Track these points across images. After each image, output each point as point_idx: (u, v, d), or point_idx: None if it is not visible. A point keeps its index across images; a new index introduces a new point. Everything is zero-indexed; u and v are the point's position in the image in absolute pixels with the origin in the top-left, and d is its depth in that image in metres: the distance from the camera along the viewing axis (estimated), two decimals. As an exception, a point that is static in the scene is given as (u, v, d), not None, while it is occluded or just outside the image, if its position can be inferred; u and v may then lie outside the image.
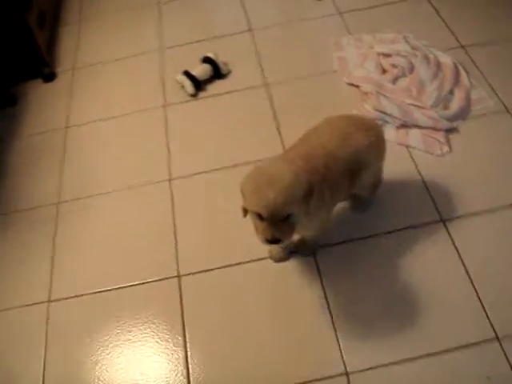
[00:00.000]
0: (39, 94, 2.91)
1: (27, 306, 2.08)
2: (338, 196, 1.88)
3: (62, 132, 2.68)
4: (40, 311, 2.06)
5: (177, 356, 1.88)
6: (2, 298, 2.12)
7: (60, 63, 3.07)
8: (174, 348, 1.90)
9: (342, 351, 1.81)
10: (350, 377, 1.75)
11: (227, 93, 2.70)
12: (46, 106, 2.83)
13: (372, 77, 2.50)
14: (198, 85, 2.70)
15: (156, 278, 2.07)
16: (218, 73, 2.74)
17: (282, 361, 1.82)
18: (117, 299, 2.05)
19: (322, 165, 1.72)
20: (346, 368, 1.77)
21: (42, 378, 1.89)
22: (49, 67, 2.96)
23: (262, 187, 1.52)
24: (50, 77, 2.96)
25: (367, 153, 1.83)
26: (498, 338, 1.77)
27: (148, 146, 2.53)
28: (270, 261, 2.05)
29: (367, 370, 1.76)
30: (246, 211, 1.64)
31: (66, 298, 2.08)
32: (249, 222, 1.62)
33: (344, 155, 1.77)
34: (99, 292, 2.08)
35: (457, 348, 1.76)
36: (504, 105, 2.40)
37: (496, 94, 2.44)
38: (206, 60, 2.73)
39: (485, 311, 1.83)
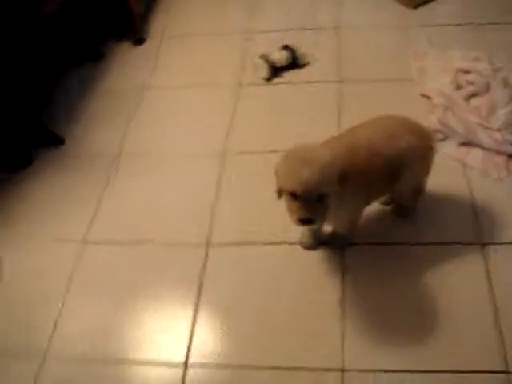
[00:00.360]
0: (125, 55, 3.07)
1: (62, 240, 2.21)
2: (374, 193, 1.86)
3: (138, 92, 2.82)
4: (72, 249, 2.18)
5: (185, 321, 1.93)
6: (40, 229, 2.27)
7: (151, 30, 3.23)
8: (183, 313, 1.95)
9: (345, 347, 1.78)
10: (345, 374, 1.73)
11: (300, 82, 2.73)
12: (129, 66, 2.99)
13: (445, 91, 2.44)
14: (274, 70, 2.75)
15: (186, 242, 2.14)
16: (295, 62, 2.78)
17: (282, 343, 1.82)
18: (144, 253, 2.14)
19: (361, 158, 1.71)
20: (343, 364, 1.75)
21: (57, 317, 1.99)
22: (139, 32, 3.11)
23: (297, 166, 1.54)
24: (138, 41, 3.11)
25: (412, 156, 1.79)
26: (508, 372, 1.68)
27: (212, 120, 2.61)
28: (299, 247, 2.06)
29: (364, 371, 1.73)
30: (280, 193, 1.66)
31: (100, 243, 2.19)
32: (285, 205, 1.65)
33: (387, 153, 1.74)
34: (132, 243, 2.17)
35: (461, 372, 1.69)
36: None
37: None
38: (286, 48, 2.78)
39: (503, 344, 1.74)
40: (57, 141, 2.58)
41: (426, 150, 1.84)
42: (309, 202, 1.54)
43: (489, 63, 2.55)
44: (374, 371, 1.73)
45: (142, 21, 3.23)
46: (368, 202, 1.90)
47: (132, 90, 2.82)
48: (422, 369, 1.71)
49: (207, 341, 1.87)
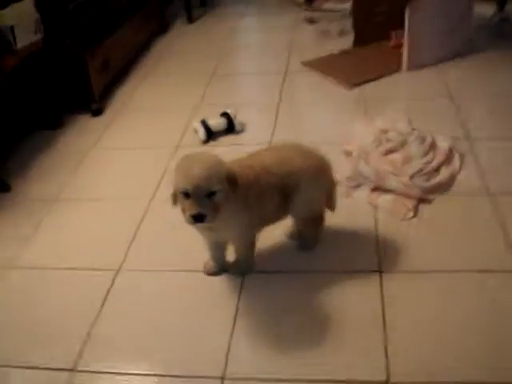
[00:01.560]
0: (83, 123, 3.40)
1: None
2: (266, 210, 1.93)
3: (86, 152, 3.09)
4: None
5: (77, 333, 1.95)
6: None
7: (111, 103, 3.60)
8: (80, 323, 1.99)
9: (229, 357, 1.78)
10: (225, 382, 1.71)
11: (233, 145, 2.95)
12: (83, 132, 3.31)
13: (366, 147, 2.60)
14: (210, 134, 2.97)
15: (98, 267, 2.23)
16: (231, 128, 3.01)
17: (172, 354, 1.83)
18: (57, 277, 2.23)
19: (253, 175, 1.85)
20: (225, 372, 1.74)
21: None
22: (97, 104, 3.43)
23: (187, 167, 1.67)
24: (97, 112, 3.43)
25: (301, 177, 1.92)
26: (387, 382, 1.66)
27: (146, 174, 2.81)
28: (203, 274, 2.12)
29: (243, 379, 1.71)
30: (175, 198, 1.76)
31: (26, 269, 2.30)
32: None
33: (277, 172, 1.88)
34: (48, 268, 2.27)
35: (340, 381, 1.68)
36: (486, 191, 2.38)
37: (482, 181, 2.44)
38: (224, 115, 3.02)
39: (387, 360, 1.72)
40: (4, 188, 2.78)
41: (317, 173, 1.96)
42: (200, 199, 1.64)
43: (407, 123, 2.74)
44: (255, 380, 1.71)
45: (106, 93, 3.61)
46: (263, 222, 1.99)
47: (81, 151, 3.08)
48: (306, 378, 1.70)
49: (103, 349, 1.88)
